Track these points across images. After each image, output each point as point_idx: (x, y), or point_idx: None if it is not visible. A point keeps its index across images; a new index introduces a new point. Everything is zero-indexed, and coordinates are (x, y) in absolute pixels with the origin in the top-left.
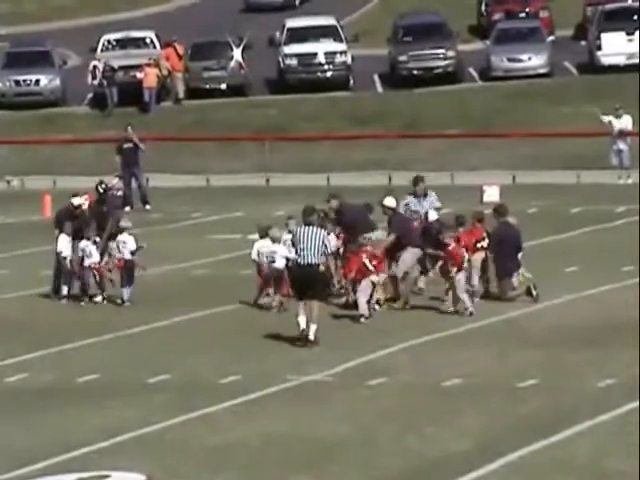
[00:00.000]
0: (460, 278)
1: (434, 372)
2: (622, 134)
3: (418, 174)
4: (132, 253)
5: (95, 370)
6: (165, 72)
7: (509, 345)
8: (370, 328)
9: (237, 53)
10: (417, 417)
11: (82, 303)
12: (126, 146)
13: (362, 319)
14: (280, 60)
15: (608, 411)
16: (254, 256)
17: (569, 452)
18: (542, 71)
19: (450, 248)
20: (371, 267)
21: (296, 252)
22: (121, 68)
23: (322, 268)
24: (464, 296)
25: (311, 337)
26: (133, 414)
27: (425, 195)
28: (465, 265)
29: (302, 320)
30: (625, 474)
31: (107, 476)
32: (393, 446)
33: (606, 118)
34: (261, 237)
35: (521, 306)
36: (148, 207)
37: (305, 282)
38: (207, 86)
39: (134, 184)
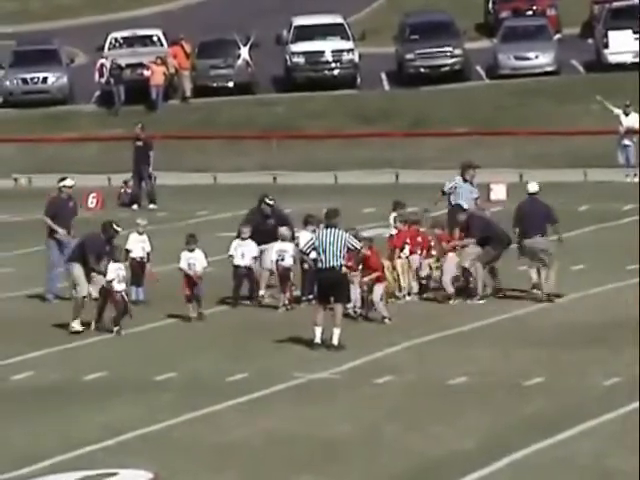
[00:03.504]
0: (378, 287)
1: (439, 370)
2: (629, 132)
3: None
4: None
5: (100, 368)
6: (172, 70)
7: (514, 343)
8: (376, 326)
9: (244, 51)
10: (422, 415)
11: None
12: (136, 144)
13: (386, 320)
14: (287, 58)
15: (613, 410)
16: (182, 265)
17: (573, 451)
18: (549, 69)
19: (367, 257)
20: (387, 274)
21: (318, 257)
22: (128, 66)
23: (344, 270)
24: (380, 305)
25: (335, 342)
26: (138, 412)
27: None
28: (387, 274)
29: (318, 331)
30: (628, 473)
31: (115, 474)
32: (398, 445)
33: (617, 110)
34: (187, 244)
35: (526, 304)
36: (152, 206)
37: (327, 285)
38: (214, 84)
39: (144, 183)
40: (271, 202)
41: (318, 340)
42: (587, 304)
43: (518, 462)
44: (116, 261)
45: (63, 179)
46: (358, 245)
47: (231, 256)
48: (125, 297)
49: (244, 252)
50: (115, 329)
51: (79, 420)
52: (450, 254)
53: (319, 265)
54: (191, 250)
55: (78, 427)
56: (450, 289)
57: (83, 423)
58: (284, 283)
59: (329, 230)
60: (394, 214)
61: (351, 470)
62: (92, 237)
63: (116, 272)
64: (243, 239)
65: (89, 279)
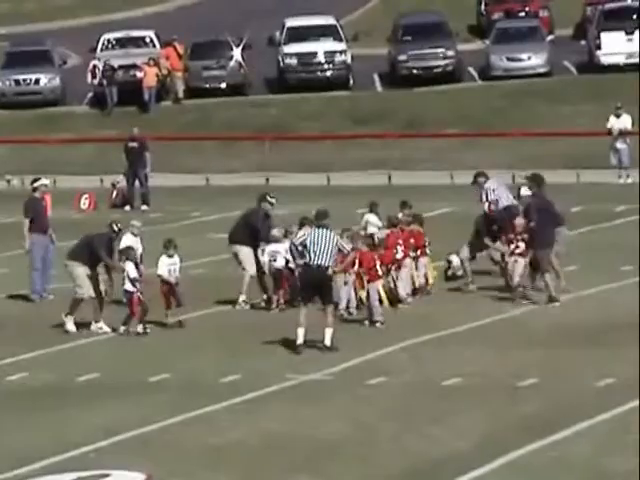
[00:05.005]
0: (373, 288)
1: (434, 371)
2: (621, 134)
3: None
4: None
5: (95, 369)
6: (165, 71)
7: (509, 344)
8: (370, 327)
9: (237, 52)
10: (417, 417)
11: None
12: (131, 145)
13: (378, 324)
14: (280, 59)
15: (608, 410)
16: (162, 272)
17: (569, 451)
18: (542, 70)
19: (362, 254)
20: (380, 272)
21: (308, 254)
22: (121, 67)
23: (331, 271)
24: (377, 308)
25: (327, 342)
26: (133, 413)
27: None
28: (380, 273)
29: (301, 332)
30: (625, 474)
31: (107, 475)
32: (393, 446)
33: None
34: (165, 248)
35: (521, 305)
36: (144, 207)
37: (313, 284)
38: (207, 85)
39: (137, 184)
40: (273, 200)
41: (301, 341)
42: (581, 305)
43: (513, 463)
44: (131, 261)
45: (37, 179)
46: (347, 248)
47: (272, 260)
48: (141, 297)
49: (277, 256)
50: (139, 328)
51: (73, 421)
52: (405, 261)
53: (308, 262)
54: (170, 256)
55: (72, 428)
56: (403, 294)
57: (77, 424)
58: (277, 284)
59: (321, 230)
60: (400, 214)
61: (347, 471)
62: (99, 236)
63: (135, 271)
64: (277, 242)
65: (95, 280)
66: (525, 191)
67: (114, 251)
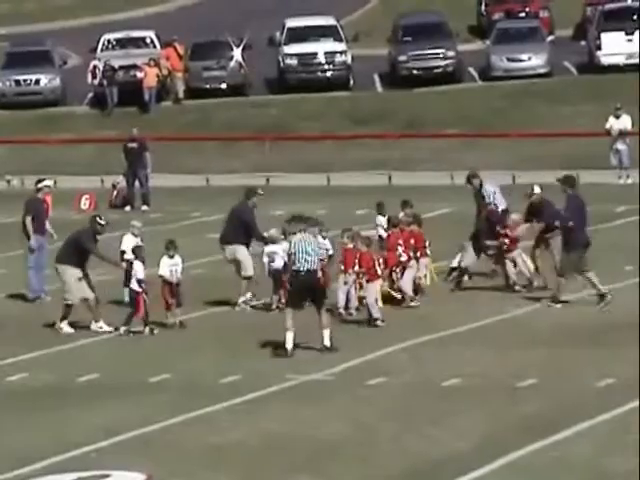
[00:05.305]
0: (372, 287)
1: (434, 372)
2: (621, 134)
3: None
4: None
5: (95, 370)
6: (165, 72)
7: (509, 344)
8: (370, 328)
9: (237, 53)
10: (417, 417)
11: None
12: (130, 146)
13: (378, 322)
14: (280, 60)
15: (608, 411)
16: (163, 272)
17: (569, 452)
18: (542, 71)
19: (361, 254)
20: (380, 271)
21: (296, 261)
22: (121, 68)
23: (320, 274)
24: (375, 306)
25: (327, 343)
26: (133, 414)
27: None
28: (380, 273)
29: (290, 336)
30: (625, 474)
31: (107, 475)
32: (393, 446)
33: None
34: (167, 249)
35: (521, 305)
36: (145, 207)
37: (305, 289)
38: (207, 86)
39: (137, 184)
40: (262, 192)
41: (290, 345)
42: (581, 305)
43: (513, 463)
44: (140, 261)
45: (42, 180)
46: (330, 251)
47: (270, 261)
48: (145, 298)
49: (275, 257)
50: (146, 330)
51: (74, 421)
52: (410, 262)
53: (298, 268)
54: (171, 256)
55: (73, 429)
56: (409, 292)
57: (78, 424)
58: (276, 285)
59: (302, 235)
60: (402, 214)
61: (347, 471)
62: (84, 232)
63: (143, 272)
64: (275, 242)
65: (88, 279)
66: (537, 189)
67: (97, 243)
